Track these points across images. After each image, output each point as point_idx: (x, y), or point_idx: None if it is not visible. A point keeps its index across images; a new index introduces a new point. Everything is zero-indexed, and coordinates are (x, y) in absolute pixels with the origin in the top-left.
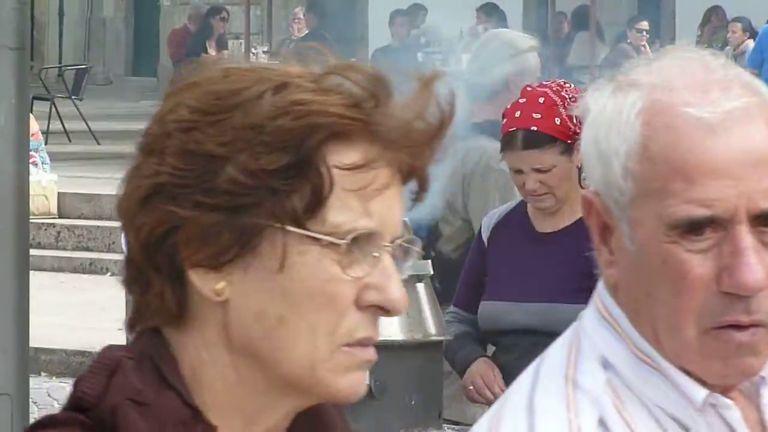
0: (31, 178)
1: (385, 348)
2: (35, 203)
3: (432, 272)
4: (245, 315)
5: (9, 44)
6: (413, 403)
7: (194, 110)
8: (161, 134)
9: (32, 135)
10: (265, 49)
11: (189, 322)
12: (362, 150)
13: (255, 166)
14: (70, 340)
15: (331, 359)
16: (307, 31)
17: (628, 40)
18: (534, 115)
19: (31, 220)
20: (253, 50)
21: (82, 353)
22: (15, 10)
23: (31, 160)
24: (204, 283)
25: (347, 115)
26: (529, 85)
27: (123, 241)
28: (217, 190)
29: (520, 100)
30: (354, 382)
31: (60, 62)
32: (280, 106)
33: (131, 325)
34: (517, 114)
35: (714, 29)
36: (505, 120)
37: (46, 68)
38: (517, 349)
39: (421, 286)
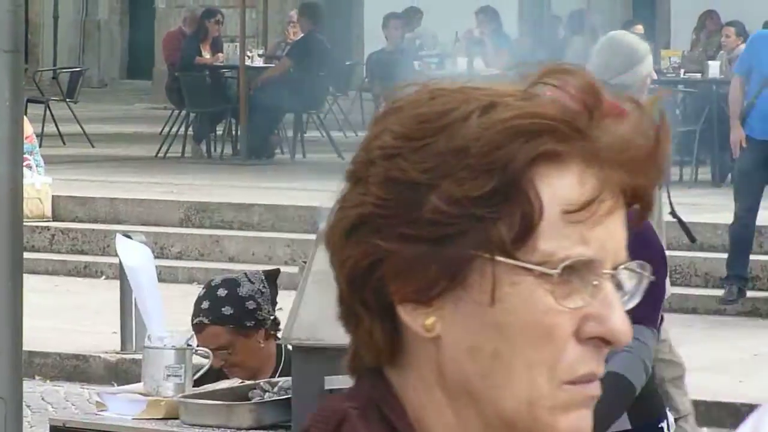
0: (25, 181)
1: None
2: (29, 206)
3: None
4: (458, 351)
5: (3, 47)
6: None
7: (398, 136)
8: (366, 162)
9: (26, 138)
10: (261, 52)
11: (403, 361)
12: (576, 172)
13: (459, 194)
14: (65, 343)
15: (551, 397)
16: (302, 35)
17: None
18: None
19: (25, 223)
20: (248, 53)
21: (77, 357)
22: (9, 13)
23: (25, 163)
24: (413, 318)
25: (559, 130)
26: None
27: (117, 244)
28: (421, 220)
29: None
30: (576, 421)
31: (54, 65)
32: (486, 126)
33: (351, 365)
34: None
35: (709, 33)
36: None
37: (41, 71)
38: None
39: None
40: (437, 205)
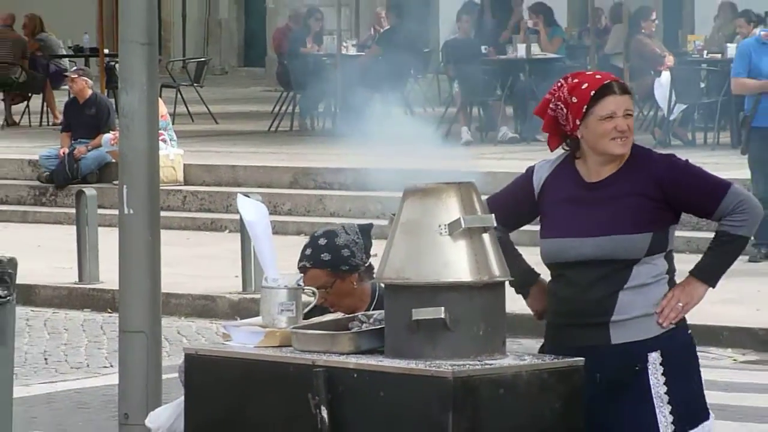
0: (161, 153)
1: (458, 288)
2: (165, 173)
3: (495, 224)
4: None
5: (141, 40)
6: (481, 333)
7: None
8: None
9: (161, 116)
10: (354, 42)
11: None
12: None
13: None
14: (195, 286)
15: None
16: (388, 27)
17: (643, 30)
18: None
19: (161, 187)
20: (344, 44)
21: (205, 297)
22: (145, 12)
23: (160, 138)
24: None
25: None
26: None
27: (238, 203)
28: None
29: (595, 75)
30: None
31: (184, 56)
32: None
33: None
34: (598, 77)
35: (727, 21)
36: (586, 85)
37: (172, 61)
38: (581, 281)
39: (486, 236)
40: None
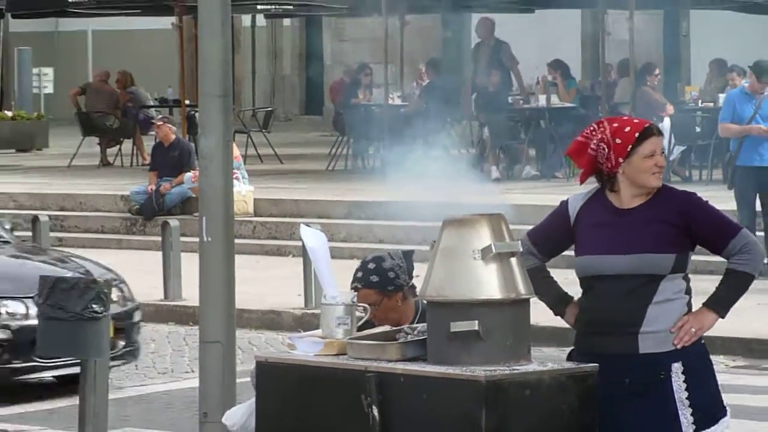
0: (234, 189)
1: (490, 304)
2: (237, 207)
3: (521, 249)
4: None
5: (217, 93)
6: (509, 343)
7: None
8: None
9: (235, 158)
10: (399, 94)
11: None
12: None
13: None
14: (264, 303)
15: None
16: (428, 81)
17: (647, 83)
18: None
19: (235, 219)
20: (390, 95)
21: (273, 312)
22: (220, 69)
23: (234, 176)
24: None
25: None
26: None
27: (301, 231)
28: None
29: (633, 120)
30: None
31: (253, 106)
32: None
33: None
34: (635, 120)
35: (717, 75)
36: (628, 128)
37: (244, 110)
38: (610, 294)
39: (513, 260)
40: None
